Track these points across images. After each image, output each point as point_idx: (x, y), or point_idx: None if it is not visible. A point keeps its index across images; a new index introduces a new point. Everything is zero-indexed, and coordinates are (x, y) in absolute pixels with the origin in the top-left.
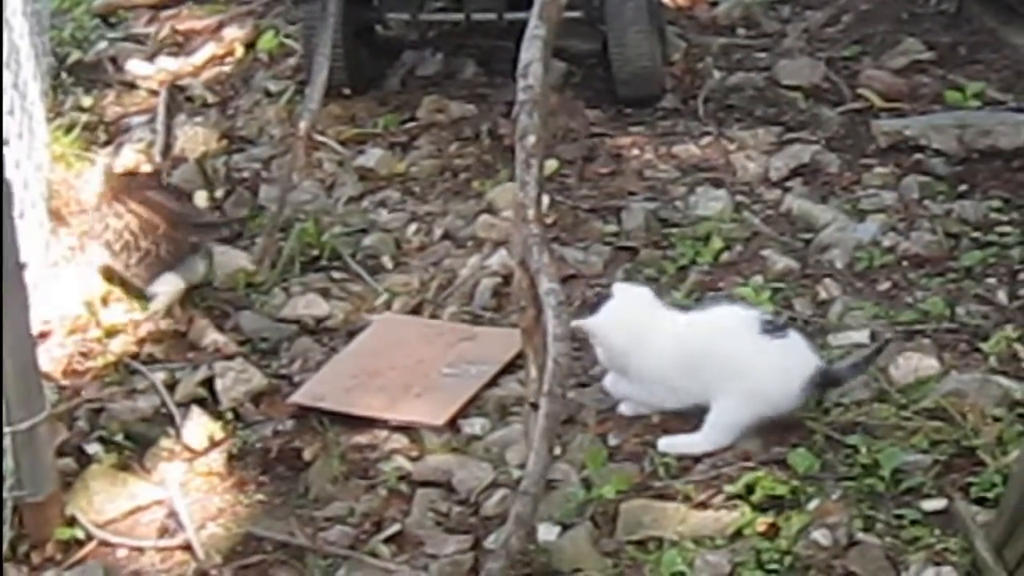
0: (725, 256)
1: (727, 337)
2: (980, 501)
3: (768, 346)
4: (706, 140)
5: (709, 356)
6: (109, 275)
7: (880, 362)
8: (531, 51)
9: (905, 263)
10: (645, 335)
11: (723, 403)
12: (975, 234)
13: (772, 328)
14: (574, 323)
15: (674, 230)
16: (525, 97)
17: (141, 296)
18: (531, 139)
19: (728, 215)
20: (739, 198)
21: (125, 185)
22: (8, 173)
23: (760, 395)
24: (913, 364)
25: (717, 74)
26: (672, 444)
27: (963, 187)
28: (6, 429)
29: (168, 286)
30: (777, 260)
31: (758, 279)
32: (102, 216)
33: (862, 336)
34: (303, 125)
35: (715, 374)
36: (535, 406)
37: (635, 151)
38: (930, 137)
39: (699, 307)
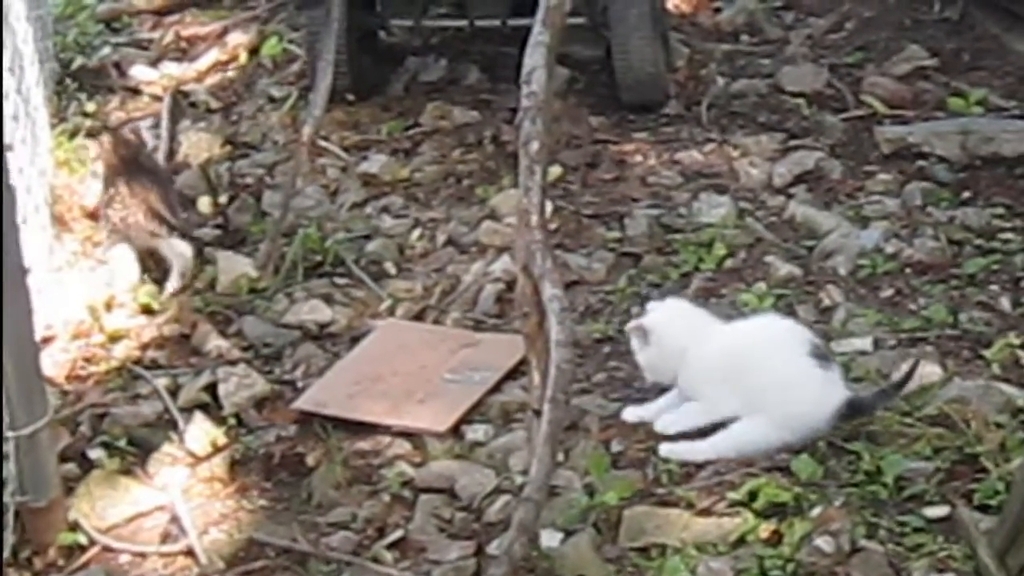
0: (728, 262)
1: (777, 349)
2: (983, 508)
3: (813, 371)
4: (709, 146)
5: (756, 366)
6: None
7: (882, 369)
8: (535, 57)
9: (908, 270)
10: (699, 338)
11: (755, 420)
12: (978, 241)
13: (819, 354)
14: (631, 324)
15: (677, 236)
16: (529, 103)
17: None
18: (535, 145)
19: (731, 221)
20: (742, 204)
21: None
22: (12, 178)
23: (793, 418)
24: (916, 371)
25: (720, 81)
26: (674, 451)
27: (966, 194)
28: (8, 434)
29: (179, 256)
30: (780, 266)
31: (761, 285)
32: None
33: (865, 343)
34: (306, 131)
35: (756, 385)
36: (538, 412)
37: (638, 157)
38: (933, 144)
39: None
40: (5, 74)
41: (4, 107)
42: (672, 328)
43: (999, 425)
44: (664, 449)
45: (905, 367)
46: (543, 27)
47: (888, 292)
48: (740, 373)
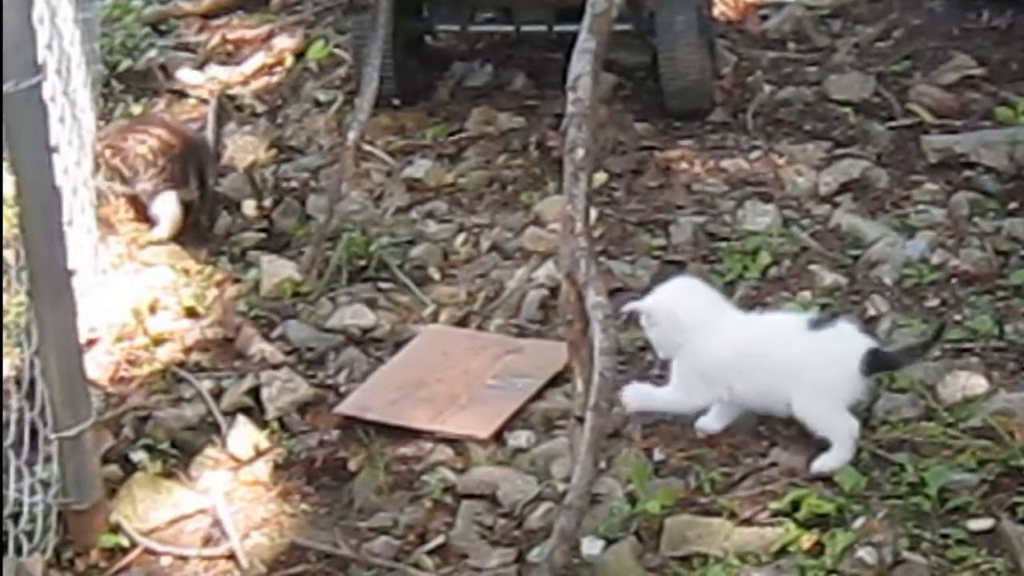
0: (773, 271)
1: (780, 343)
2: None
3: (817, 339)
4: (755, 154)
5: (766, 359)
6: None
7: (926, 380)
8: (581, 64)
9: (954, 280)
10: (711, 319)
11: (798, 404)
12: None
13: (818, 323)
14: (626, 306)
15: (722, 244)
16: (574, 110)
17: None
18: (580, 152)
19: (776, 230)
20: (787, 213)
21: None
22: (57, 180)
23: (823, 386)
24: (961, 382)
25: (767, 88)
26: (823, 463)
27: (1013, 204)
28: (52, 436)
29: (168, 205)
30: (825, 276)
31: (806, 295)
32: (121, 144)
33: None
34: (352, 136)
35: (780, 375)
36: (581, 420)
37: (684, 164)
38: (980, 154)
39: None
40: (52, 76)
41: (51, 110)
42: (677, 308)
43: None
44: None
45: (936, 330)
46: (589, 34)
47: (934, 302)
48: (751, 367)
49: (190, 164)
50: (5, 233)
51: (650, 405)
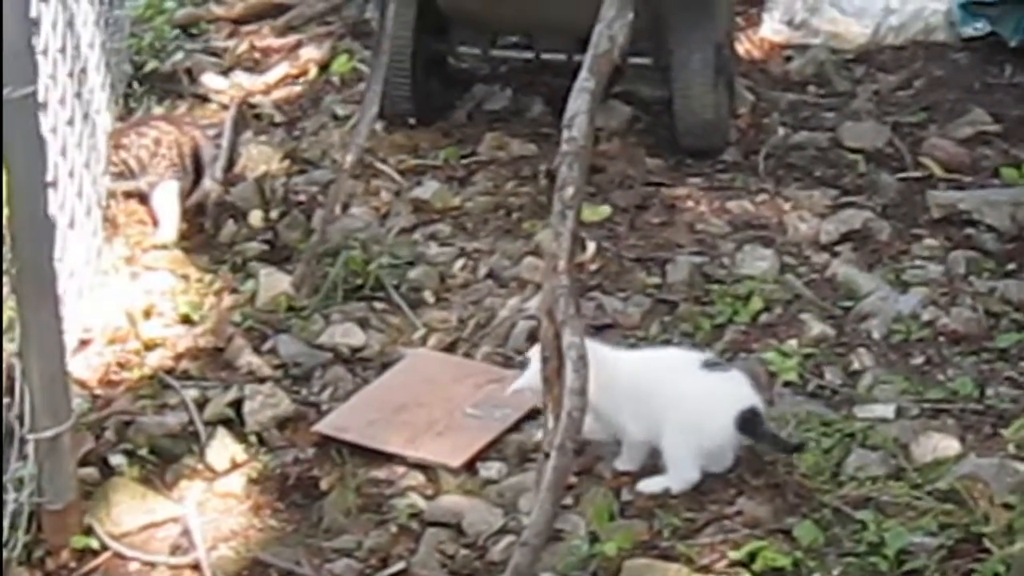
0: (763, 317)
1: (672, 374)
2: None
3: (705, 379)
4: (762, 197)
5: (655, 392)
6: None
7: (900, 438)
8: (578, 103)
9: (941, 339)
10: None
11: (668, 438)
12: (1016, 315)
13: (712, 365)
14: (511, 388)
15: (716, 287)
16: (567, 148)
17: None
18: (570, 191)
19: (772, 276)
20: (786, 259)
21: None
22: (62, 182)
23: (696, 426)
24: (933, 443)
25: (781, 131)
26: (648, 484)
27: (1011, 266)
28: (29, 436)
29: (169, 195)
30: (814, 326)
31: (792, 343)
32: (123, 140)
33: (887, 410)
34: (349, 159)
35: (659, 409)
36: (548, 456)
37: (689, 203)
38: (983, 212)
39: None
40: (65, 79)
41: (60, 113)
42: None
43: (1008, 506)
44: (640, 485)
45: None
46: (589, 73)
47: (918, 360)
48: (643, 402)
49: (187, 154)
50: None
51: None
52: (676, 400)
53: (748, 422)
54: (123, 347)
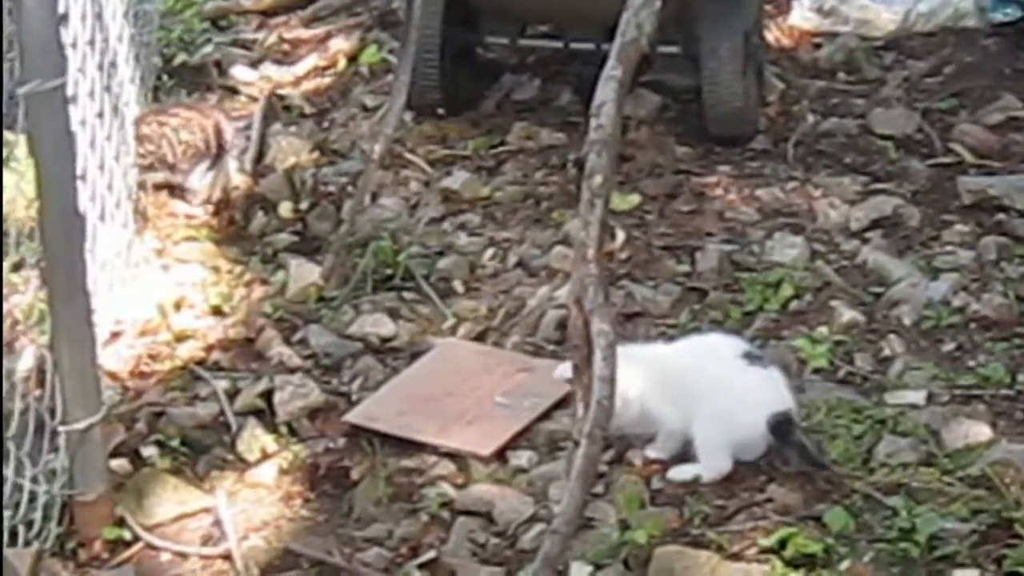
0: (794, 304)
1: (708, 360)
2: (1013, 575)
3: (743, 374)
4: (792, 184)
5: (690, 380)
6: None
7: (931, 424)
8: (606, 91)
9: (972, 325)
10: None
11: (701, 427)
12: None
13: (753, 358)
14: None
15: (746, 274)
16: (595, 137)
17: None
18: (598, 179)
19: (802, 263)
20: (816, 246)
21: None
22: (92, 175)
23: (729, 418)
24: (965, 429)
25: (811, 118)
26: (679, 472)
27: None
28: (61, 428)
29: (203, 178)
30: (844, 312)
31: (823, 330)
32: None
33: (918, 396)
34: (377, 149)
35: (695, 396)
36: (578, 444)
37: (719, 191)
38: (1014, 198)
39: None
40: (95, 72)
41: (90, 106)
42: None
43: None
44: (672, 472)
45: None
46: (616, 61)
47: (950, 346)
48: (676, 391)
49: (211, 136)
50: (24, 227)
51: None
52: (712, 390)
53: (780, 426)
54: (154, 339)
